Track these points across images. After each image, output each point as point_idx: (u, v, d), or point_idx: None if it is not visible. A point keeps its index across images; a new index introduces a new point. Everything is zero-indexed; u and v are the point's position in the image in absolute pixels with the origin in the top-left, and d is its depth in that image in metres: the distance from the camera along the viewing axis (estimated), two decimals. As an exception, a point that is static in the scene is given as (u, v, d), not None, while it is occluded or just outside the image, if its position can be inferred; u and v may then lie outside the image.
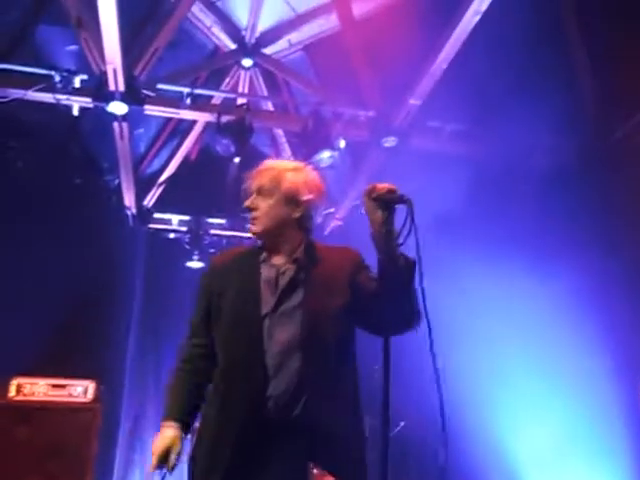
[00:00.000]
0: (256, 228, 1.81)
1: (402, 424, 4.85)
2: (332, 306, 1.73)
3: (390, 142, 4.41)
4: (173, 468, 1.76)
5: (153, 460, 1.75)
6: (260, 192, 1.82)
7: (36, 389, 4.02)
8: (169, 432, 1.77)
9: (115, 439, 5.48)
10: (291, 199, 1.81)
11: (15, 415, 3.96)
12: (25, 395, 4.00)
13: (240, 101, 4.73)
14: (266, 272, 1.80)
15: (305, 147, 4.59)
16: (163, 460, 1.75)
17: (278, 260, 1.81)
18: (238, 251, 1.95)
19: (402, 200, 1.61)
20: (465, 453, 3.57)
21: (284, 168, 1.85)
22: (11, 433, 3.92)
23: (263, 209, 1.80)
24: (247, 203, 1.83)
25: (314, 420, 1.66)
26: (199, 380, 1.84)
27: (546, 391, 3.93)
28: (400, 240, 1.60)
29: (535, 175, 4.11)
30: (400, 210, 1.63)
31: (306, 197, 1.82)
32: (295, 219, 1.81)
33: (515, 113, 3.85)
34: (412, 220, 1.57)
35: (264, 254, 1.83)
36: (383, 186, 1.64)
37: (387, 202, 1.63)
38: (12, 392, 3.96)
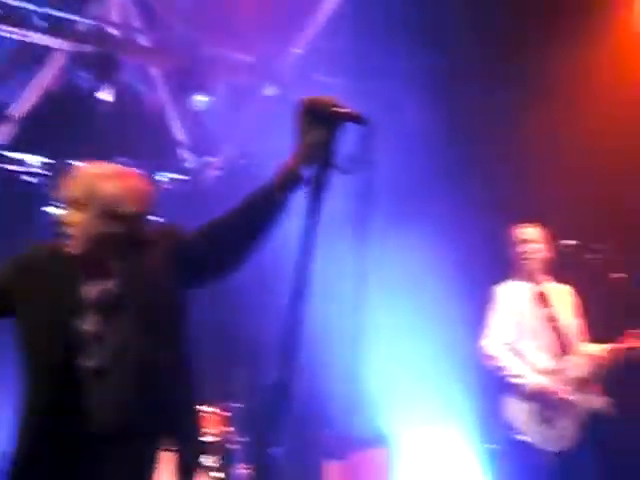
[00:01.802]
0: (74, 250, 1.54)
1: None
2: (163, 306, 1.58)
3: (271, 91, 4.24)
4: None
5: None
6: (73, 205, 1.55)
7: None
8: None
9: None
10: (112, 213, 1.54)
11: None
12: None
13: (111, 32, 4.26)
14: (87, 292, 1.56)
15: (181, 88, 4.30)
16: None
17: (102, 282, 1.57)
18: (49, 252, 1.62)
19: (355, 118, 1.30)
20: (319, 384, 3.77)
21: (100, 175, 1.57)
22: None
23: (78, 225, 1.54)
24: (58, 217, 1.56)
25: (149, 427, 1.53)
26: None
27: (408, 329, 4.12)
28: (347, 169, 1.28)
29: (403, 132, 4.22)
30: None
31: (130, 210, 1.55)
32: (119, 235, 1.56)
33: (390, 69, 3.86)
34: (369, 146, 1.25)
35: (84, 275, 1.57)
36: (326, 99, 1.34)
37: (334, 118, 1.32)
38: None
